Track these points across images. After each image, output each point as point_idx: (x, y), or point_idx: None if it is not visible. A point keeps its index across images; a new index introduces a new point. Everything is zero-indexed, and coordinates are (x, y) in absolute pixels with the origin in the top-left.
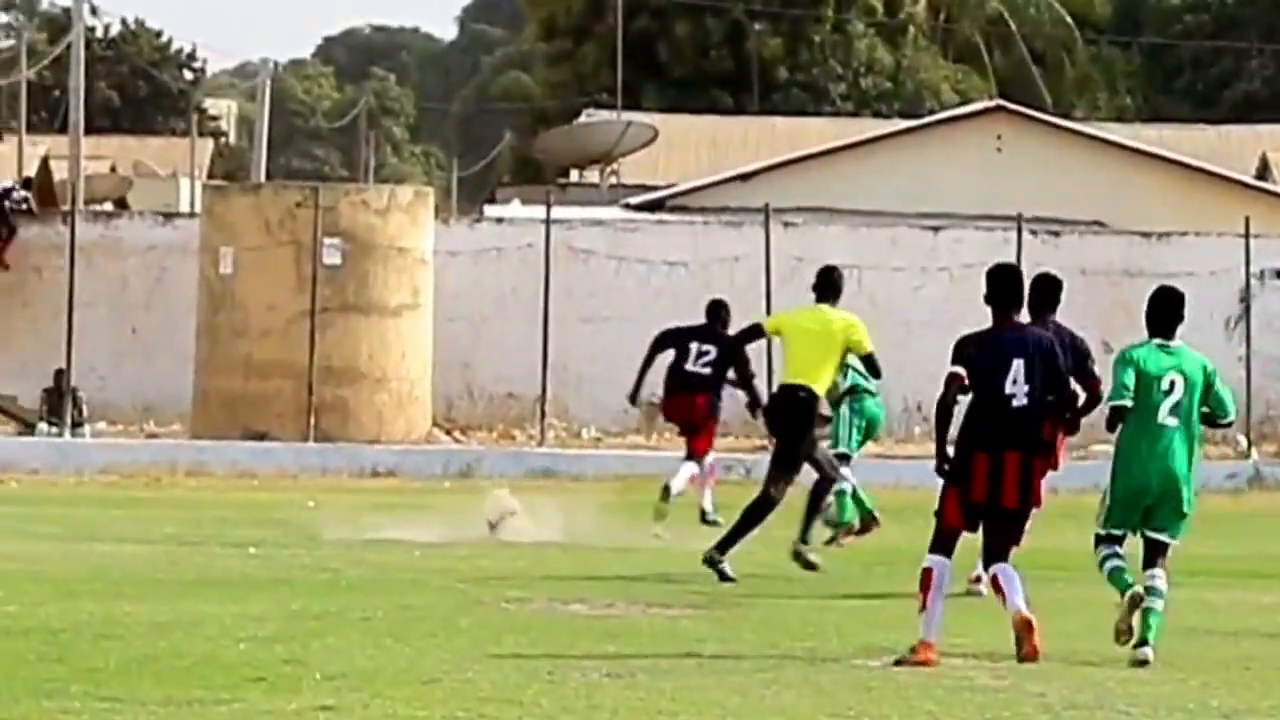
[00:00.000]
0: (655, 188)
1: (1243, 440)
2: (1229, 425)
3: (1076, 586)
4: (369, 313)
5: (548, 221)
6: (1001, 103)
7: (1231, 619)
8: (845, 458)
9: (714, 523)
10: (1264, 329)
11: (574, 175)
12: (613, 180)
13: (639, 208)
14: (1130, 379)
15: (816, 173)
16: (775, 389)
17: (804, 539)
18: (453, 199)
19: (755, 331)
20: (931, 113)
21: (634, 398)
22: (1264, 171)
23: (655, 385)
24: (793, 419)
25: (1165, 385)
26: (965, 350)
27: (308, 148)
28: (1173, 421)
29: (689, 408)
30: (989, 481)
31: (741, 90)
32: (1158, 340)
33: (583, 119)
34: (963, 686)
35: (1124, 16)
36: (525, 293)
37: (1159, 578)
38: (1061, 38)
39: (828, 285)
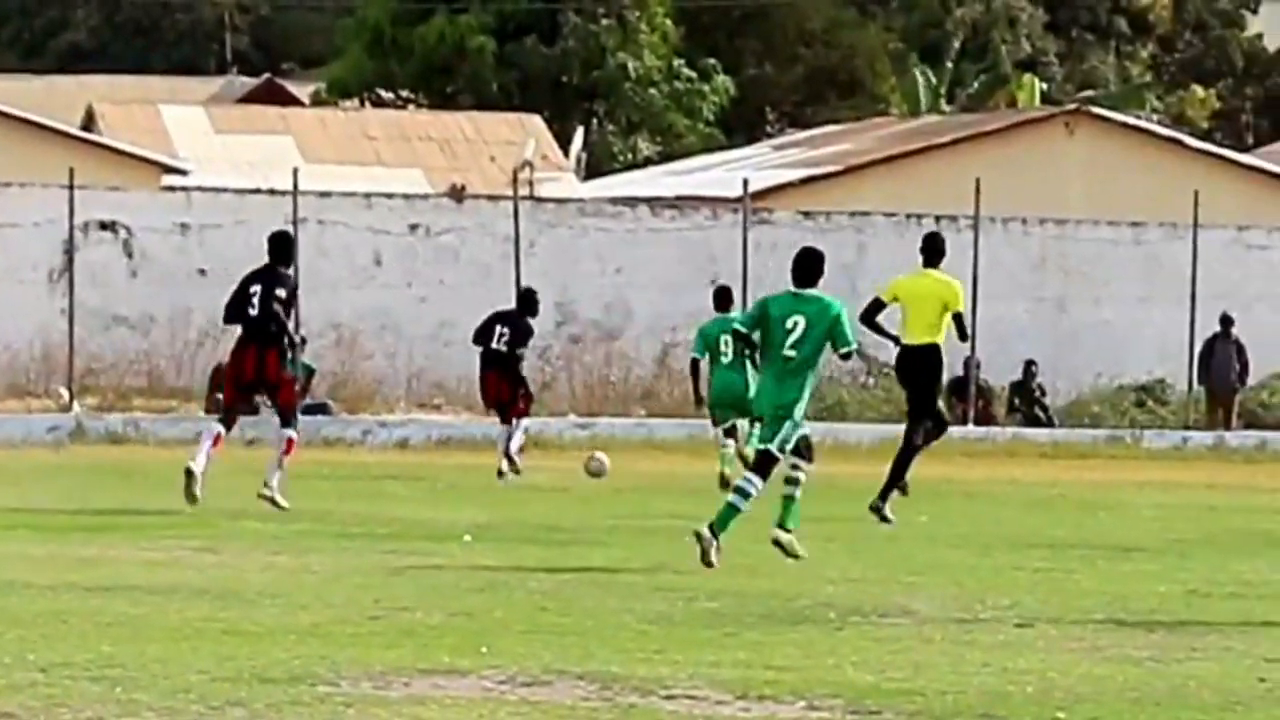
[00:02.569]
0: None
1: (65, 393)
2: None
3: None
4: None
5: None
6: None
7: (50, 572)
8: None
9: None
10: (87, 282)
11: None
12: None
13: None
14: None
15: None
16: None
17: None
18: None
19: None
20: None
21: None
22: (90, 122)
23: None
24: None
25: None
26: None
27: None
28: None
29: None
30: None
31: None
32: None
33: None
34: None
35: None
36: None
37: None
38: None
39: (933, 250)
